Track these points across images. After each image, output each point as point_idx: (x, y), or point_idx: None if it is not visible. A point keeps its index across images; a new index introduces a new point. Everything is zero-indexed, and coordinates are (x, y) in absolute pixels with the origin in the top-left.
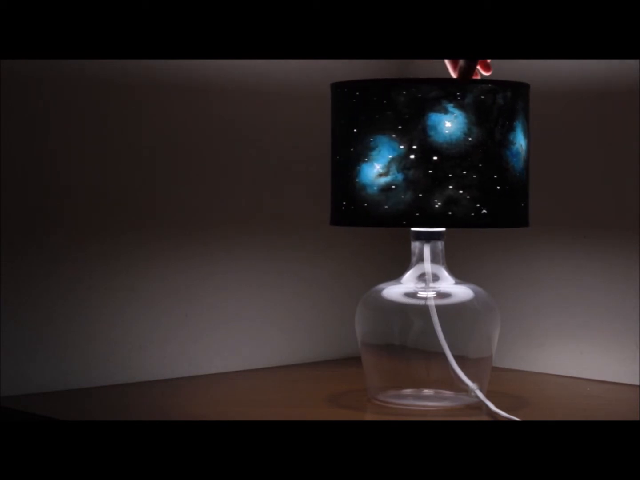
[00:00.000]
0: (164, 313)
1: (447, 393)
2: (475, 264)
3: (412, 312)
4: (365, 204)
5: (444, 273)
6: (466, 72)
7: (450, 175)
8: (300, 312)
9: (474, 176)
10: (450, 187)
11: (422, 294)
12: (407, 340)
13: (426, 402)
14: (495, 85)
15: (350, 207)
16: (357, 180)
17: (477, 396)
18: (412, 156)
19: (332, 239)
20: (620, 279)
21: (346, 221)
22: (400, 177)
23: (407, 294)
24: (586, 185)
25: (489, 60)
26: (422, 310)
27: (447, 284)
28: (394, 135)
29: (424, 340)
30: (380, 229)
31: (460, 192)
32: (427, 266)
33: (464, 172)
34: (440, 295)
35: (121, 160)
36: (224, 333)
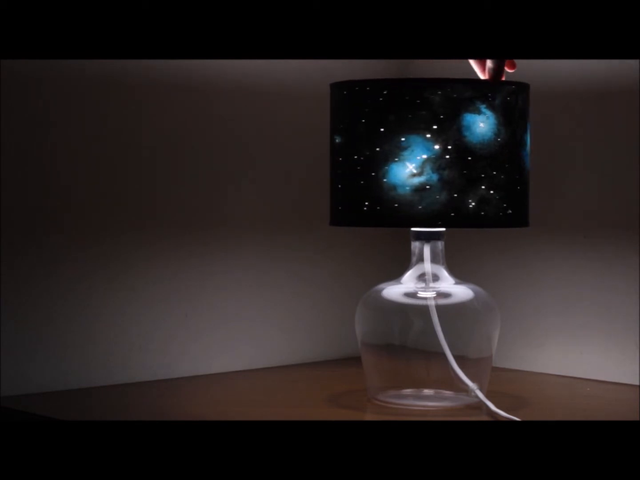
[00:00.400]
0: (164, 313)
1: (447, 393)
2: (475, 264)
3: (412, 312)
4: (396, 205)
5: (444, 273)
6: (496, 73)
7: (482, 175)
8: (300, 312)
9: (502, 176)
10: (483, 187)
11: (422, 294)
12: (407, 340)
13: (426, 402)
14: (517, 86)
15: (376, 208)
16: (385, 180)
17: (477, 396)
18: (447, 156)
19: (332, 239)
20: (620, 279)
21: (370, 222)
22: (435, 177)
23: (407, 294)
24: (586, 185)
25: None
26: (422, 310)
27: (447, 284)
28: (428, 135)
29: (424, 340)
30: (381, 229)
31: (491, 192)
32: (427, 266)
33: (494, 173)
34: (440, 295)
35: (121, 160)
36: (224, 333)
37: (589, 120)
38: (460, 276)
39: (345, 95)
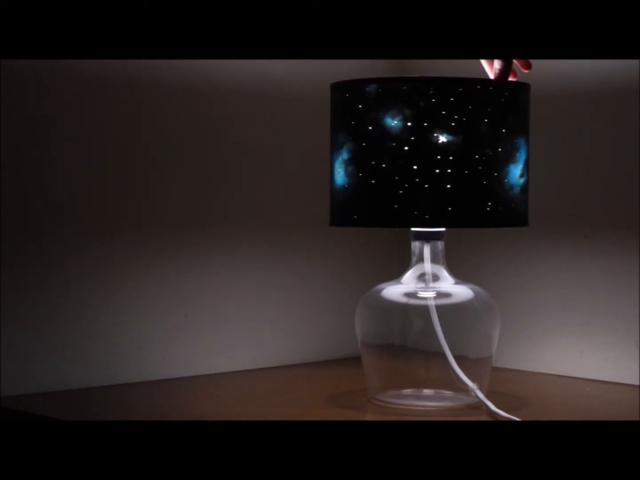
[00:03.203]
0: (164, 313)
1: (447, 393)
2: (475, 264)
3: (412, 312)
4: (512, 204)
5: (444, 273)
6: (503, 73)
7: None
8: (300, 312)
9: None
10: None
11: (422, 294)
12: (407, 340)
13: (426, 402)
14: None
15: (499, 208)
16: (506, 180)
17: (477, 396)
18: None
19: (333, 239)
20: (621, 278)
21: (492, 222)
22: (526, 178)
23: (407, 294)
24: (586, 185)
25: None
26: (422, 310)
27: (447, 284)
28: (526, 138)
29: (424, 340)
30: (381, 229)
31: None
32: (427, 266)
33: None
34: (440, 295)
35: (121, 160)
36: (224, 333)
37: (589, 120)
38: (460, 276)
39: (461, 92)
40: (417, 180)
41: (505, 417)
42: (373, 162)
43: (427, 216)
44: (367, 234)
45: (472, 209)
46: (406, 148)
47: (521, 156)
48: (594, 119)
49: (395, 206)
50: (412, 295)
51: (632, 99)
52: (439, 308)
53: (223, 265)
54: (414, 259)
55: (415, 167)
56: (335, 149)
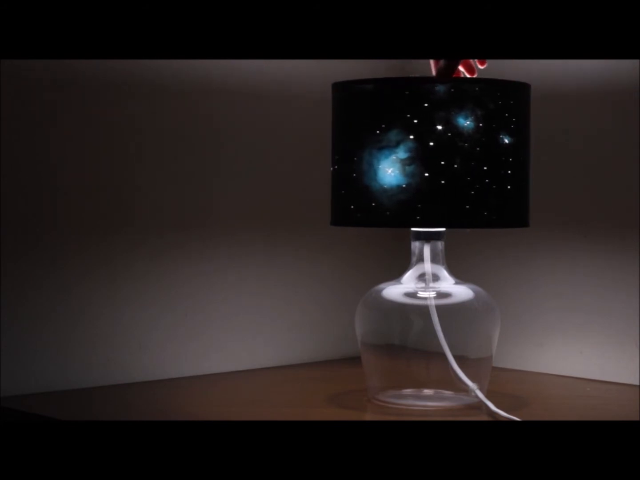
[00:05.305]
0: (164, 313)
1: (447, 393)
2: (475, 264)
3: (412, 312)
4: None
5: (444, 273)
6: (446, 71)
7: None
8: (300, 312)
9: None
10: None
11: (422, 294)
12: (407, 340)
13: (426, 402)
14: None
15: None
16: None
17: (477, 396)
18: None
19: (333, 239)
20: (621, 278)
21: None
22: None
23: (407, 294)
24: (586, 185)
25: (472, 62)
26: (422, 310)
27: (447, 284)
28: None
29: (424, 340)
30: (380, 229)
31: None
32: (427, 266)
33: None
34: (440, 295)
35: (121, 159)
36: (224, 333)
37: (589, 120)
38: (460, 276)
39: (516, 95)
40: (487, 181)
41: (505, 417)
42: (443, 162)
43: (494, 217)
44: (367, 234)
45: (520, 209)
46: (478, 149)
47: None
48: (594, 119)
49: (467, 207)
50: (412, 295)
51: (632, 99)
52: (439, 308)
53: (223, 265)
54: (413, 259)
55: (485, 167)
56: (380, 147)
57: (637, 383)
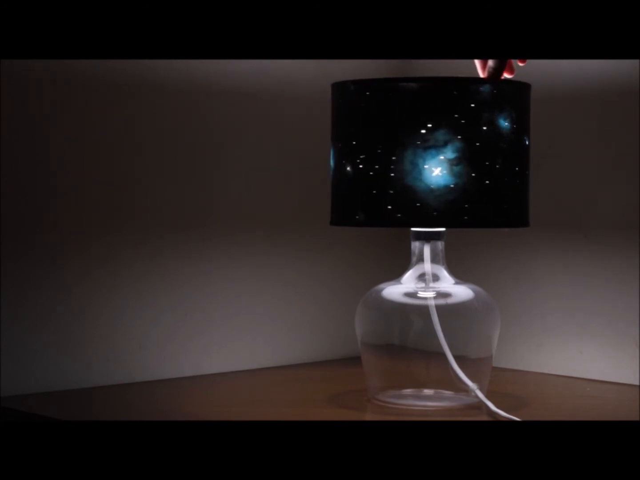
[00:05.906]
0: (164, 313)
1: (447, 393)
2: (475, 264)
3: (412, 312)
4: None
5: (444, 273)
6: (496, 72)
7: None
8: (300, 312)
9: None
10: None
11: (422, 294)
12: (407, 340)
13: (426, 402)
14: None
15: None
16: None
17: (477, 396)
18: None
19: (333, 239)
20: (621, 279)
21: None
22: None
23: (407, 294)
24: (586, 185)
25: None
26: (422, 310)
27: (447, 284)
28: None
29: (424, 340)
30: (381, 229)
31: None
32: (427, 266)
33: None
34: (440, 295)
35: (121, 159)
36: (224, 333)
37: (589, 120)
38: (460, 276)
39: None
40: (518, 181)
41: (505, 417)
42: (487, 163)
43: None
44: (367, 234)
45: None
46: (512, 150)
47: None
48: (594, 119)
49: (505, 206)
50: (412, 295)
51: (633, 99)
52: (439, 308)
53: (223, 265)
54: (413, 259)
55: (517, 168)
56: (426, 147)
57: (637, 383)
